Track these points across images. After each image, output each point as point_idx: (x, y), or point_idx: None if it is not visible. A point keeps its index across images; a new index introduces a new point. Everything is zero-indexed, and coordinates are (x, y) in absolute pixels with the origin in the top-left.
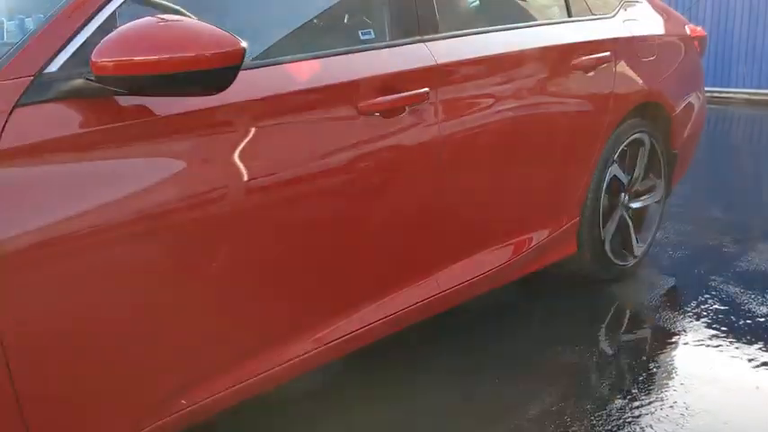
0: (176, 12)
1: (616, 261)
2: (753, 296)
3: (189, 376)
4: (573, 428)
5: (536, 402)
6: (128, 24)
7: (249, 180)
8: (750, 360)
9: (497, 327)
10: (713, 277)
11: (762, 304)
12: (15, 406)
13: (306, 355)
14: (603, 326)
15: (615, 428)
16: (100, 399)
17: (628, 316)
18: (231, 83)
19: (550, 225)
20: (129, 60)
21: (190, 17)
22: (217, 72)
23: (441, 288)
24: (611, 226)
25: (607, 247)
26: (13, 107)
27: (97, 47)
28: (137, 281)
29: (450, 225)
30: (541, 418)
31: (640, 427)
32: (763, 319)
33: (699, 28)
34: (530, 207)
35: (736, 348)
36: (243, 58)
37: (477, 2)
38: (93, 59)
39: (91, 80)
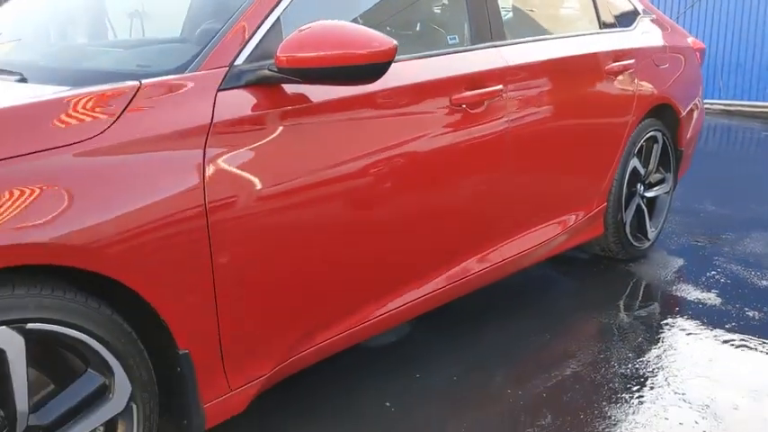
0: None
1: (634, 243)
2: (752, 272)
3: (330, 316)
4: (614, 369)
5: (577, 349)
6: (304, 27)
7: (382, 150)
8: (755, 320)
9: (540, 296)
10: (716, 258)
11: (762, 278)
12: (214, 311)
13: (405, 306)
14: (625, 295)
15: (645, 373)
16: (272, 322)
17: (645, 288)
18: (383, 75)
19: (584, 208)
20: (305, 56)
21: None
22: (373, 66)
23: (503, 256)
24: (630, 212)
25: (627, 230)
26: (217, 91)
27: (281, 45)
28: (318, 228)
29: (514, 201)
30: (585, 363)
31: (663, 370)
32: (763, 290)
33: (698, 40)
34: (571, 191)
35: (744, 312)
36: (394, 55)
37: (510, 14)
38: (278, 54)
39: (273, 71)
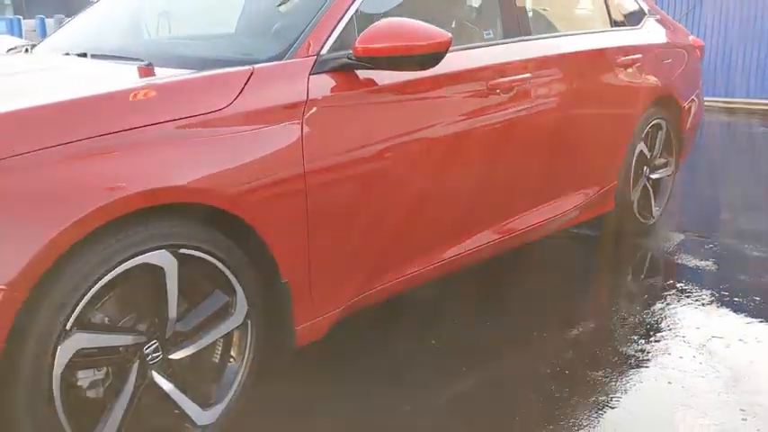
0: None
1: (641, 219)
2: (745, 245)
3: (392, 263)
4: (624, 319)
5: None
6: (376, 23)
7: (435, 125)
8: (745, 283)
9: (561, 262)
10: (713, 233)
11: (752, 251)
12: (307, 251)
13: (452, 259)
14: (634, 262)
15: (651, 322)
16: (347, 264)
17: (651, 257)
18: (438, 63)
19: (600, 184)
20: (378, 47)
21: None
22: (432, 55)
23: (530, 223)
24: (637, 191)
25: (635, 207)
26: (309, 75)
27: (358, 38)
28: (386, 187)
29: (539, 174)
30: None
31: (666, 320)
32: (754, 259)
33: (698, 39)
34: (587, 169)
35: (736, 276)
36: (449, 46)
37: (534, 11)
38: (356, 45)
39: (350, 59)
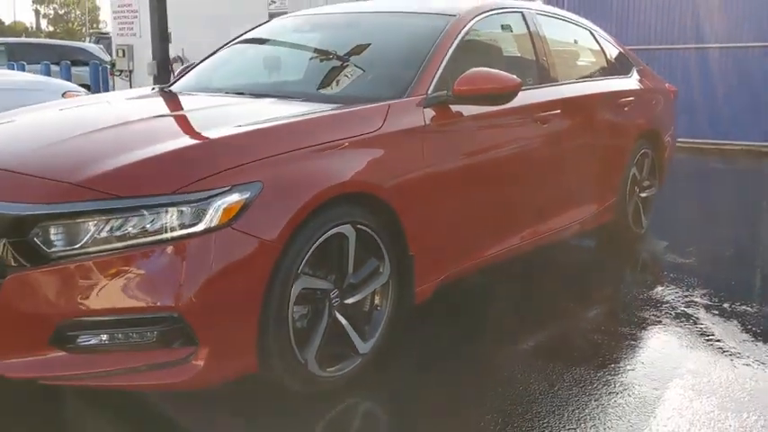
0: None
1: (634, 229)
2: (717, 248)
3: (475, 246)
4: (623, 299)
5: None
6: (467, 72)
7: (502, 144)
8: (717, 273)
9: (571, 263)
10: (692, 240)
11: (724, 252)
12: (424, 234)
13: (515, 246)
14: (629, 260)
15: (645, 299)
16: (447, 244)
17: (643, 257)
18: (512, 100)
19: (605, 198)
20: (469, 88)
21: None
22: (507, 94)
23: (558, 225)
24: (631, 205)
25: (630, 220)
26: (423, 108)
27: (456, 81)
28: (480, 192)
29: (563, 188)
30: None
31: (657, 296)
32: (725, 258)
33: (672, 85)
34: (599, 184)
35: (710, 270)
36: (520, 88)
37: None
38: (455, 87)
39: (448, 96)
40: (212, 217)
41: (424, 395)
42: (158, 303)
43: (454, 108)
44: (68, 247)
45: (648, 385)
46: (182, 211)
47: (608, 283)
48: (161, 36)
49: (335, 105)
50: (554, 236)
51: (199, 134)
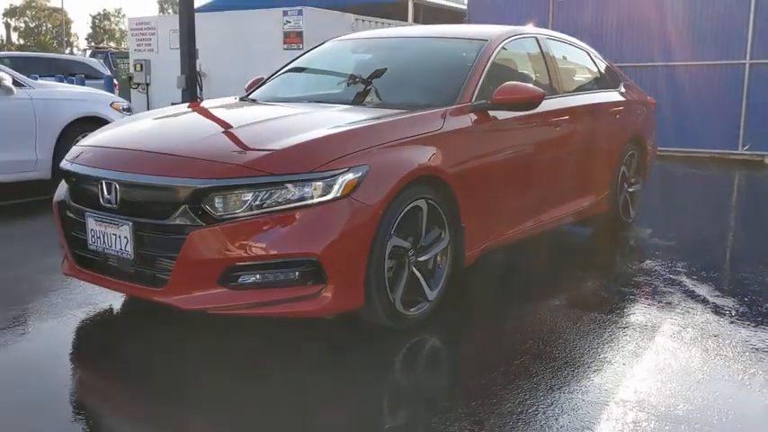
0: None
1: (623, 218)
2: (697, 231)
3: (507, 222)
4: (614, 271)
5: (583, 280)
6: (503, 84)
7: (528, 142)
8: (695, 251)
9: (572, 247)
10: (672, 227)
11: (699, 234)
12: (471, 210)
13: (539, 224)
14: (619, 244)
15: (633, 272)
16: (487, 218)
17: (631, 242)
18: (537, 107)
19: (600, 191)
20: (505, 97)
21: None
22: (533, 103)
23: (562, 212)
24: (621, 198)
25: (620, 210)
26: (470, 112)
27: (495, 91)
28: (509, 180)
29: (568, 180)
30: (586, 290)
31: (645, 268)
32: (702, 239)
33: (652, 98)
34: (597, 178)
35: (690, 250)
36: (543, 98)
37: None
38: (494, 96)
39: (487, 103)
40: (338, 189)
41: (473, 333)
42: (303, 250)
43: (491, 113)
44: (234, 211)
45: (646, 322)
46: (317, 185)
47: (607, 258)
48: (189, 52)
49: (400, 110)
50: (563, 219)
51: (317, 130)
